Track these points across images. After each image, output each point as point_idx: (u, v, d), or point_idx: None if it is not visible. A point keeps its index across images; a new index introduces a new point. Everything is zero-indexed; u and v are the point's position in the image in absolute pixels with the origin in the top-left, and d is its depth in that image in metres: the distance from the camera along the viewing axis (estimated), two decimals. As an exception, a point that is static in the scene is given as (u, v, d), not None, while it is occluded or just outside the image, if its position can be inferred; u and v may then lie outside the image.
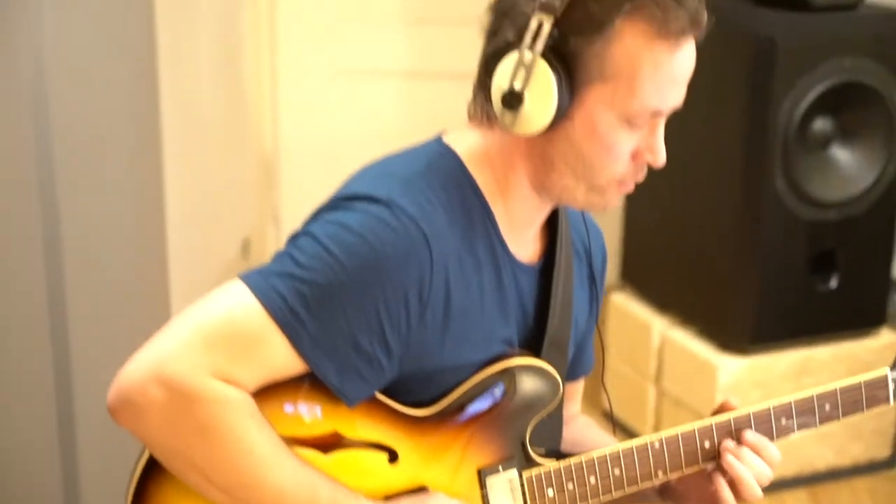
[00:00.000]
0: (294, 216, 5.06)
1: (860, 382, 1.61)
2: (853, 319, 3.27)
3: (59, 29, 2.40)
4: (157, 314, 3.00)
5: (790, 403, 1.57)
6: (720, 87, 2.99)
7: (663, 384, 3.37)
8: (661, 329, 3.37)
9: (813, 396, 1.58)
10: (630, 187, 1.47)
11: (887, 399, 1.64)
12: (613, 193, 1.46)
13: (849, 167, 3.11)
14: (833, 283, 3.18)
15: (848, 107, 3.04)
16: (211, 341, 1.33)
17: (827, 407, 1.59)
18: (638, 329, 3.43)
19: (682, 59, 1.39)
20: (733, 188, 3.10)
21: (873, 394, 1.62)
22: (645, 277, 3.52)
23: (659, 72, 1.38)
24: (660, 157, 1.44)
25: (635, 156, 1.43)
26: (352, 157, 4.90)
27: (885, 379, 1.63)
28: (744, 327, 3.17)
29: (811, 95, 2.97)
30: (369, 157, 4.79)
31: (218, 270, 4.06)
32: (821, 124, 3.05)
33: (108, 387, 1.37)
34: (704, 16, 1.38)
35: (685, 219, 3.28)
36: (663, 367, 3.37)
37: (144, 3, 2.84)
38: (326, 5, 4.42)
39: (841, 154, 3.11)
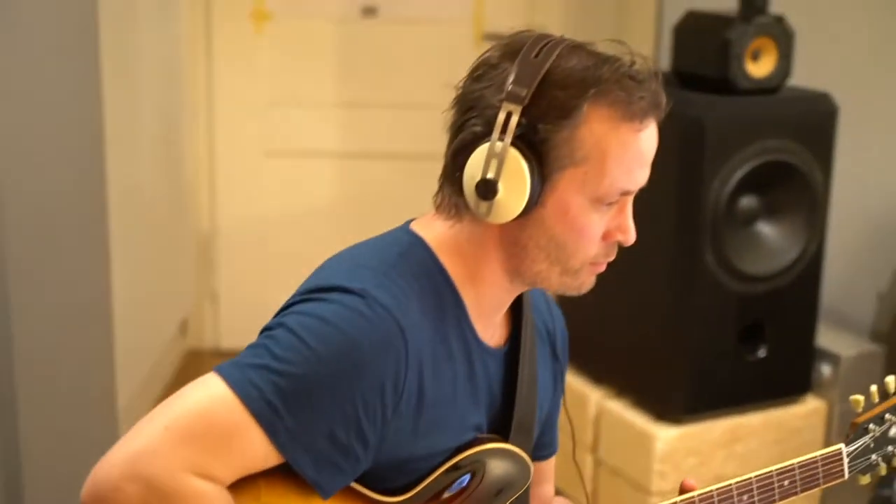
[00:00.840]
0: (231, 295, 5.10)
1: (817, 458, 1.66)
2: (781, 387, 3.33)
3: (3, 121, 2.41)
4: (103, 396, 3.01)
5: (751, 481, 1.61)
6: (652, 166, 3.06)
7: (600, 454, 3.41)
8: (598, 400, 3.42)
9: (773, 473, 1.62)
10: (602, 268, 1.49)
11: (842, 474, 1.69)
12: (587, 275, 1.48)
13: (774, 242, 3.17)
14: (761, 352, 3.24)
15: (772, 185, 3.11)
16: (186, 436, 1.31)
17: (786, 483, 1.63)
18: (574, 400, 3.47)
19: (647, 140, 1.43)
20: (665, 263, 3.16)
21: (829, 469, 1.67)
22: (580, 350, 3.54)
23: (626, 153, 1.41)
24: (630, 236, 1.47)
25: (606, 236, 1.46)
26: (287, 236, 4.98)
27: (839, 454, 1.69)
28: (678, 397, 3.21)
29: (738, 174, 3.03)
30: (304, 235, 4.90)
31: (158, 351, 4.07)
32: (747, 202, 3.11)
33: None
34: (664, 98, 1.43)
35: (619, 293, 3.33)
36: (600, 437, 3.41)
37: (93, 91, 2.89)
38: (261, 89, 4.49)
39: (767, 230, 3.17)
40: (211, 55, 4.45)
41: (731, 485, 1.59)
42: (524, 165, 1.38)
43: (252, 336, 1.44)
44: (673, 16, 3.37)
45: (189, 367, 4.38)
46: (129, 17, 3.64)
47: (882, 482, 2.20)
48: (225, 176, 4.55)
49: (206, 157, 4.53)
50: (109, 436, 2.95)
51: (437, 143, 1.50)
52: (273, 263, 4.48)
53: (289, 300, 1.45)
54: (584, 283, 1.49)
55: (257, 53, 4.46)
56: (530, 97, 1.37)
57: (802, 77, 3.23)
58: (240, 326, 4.41)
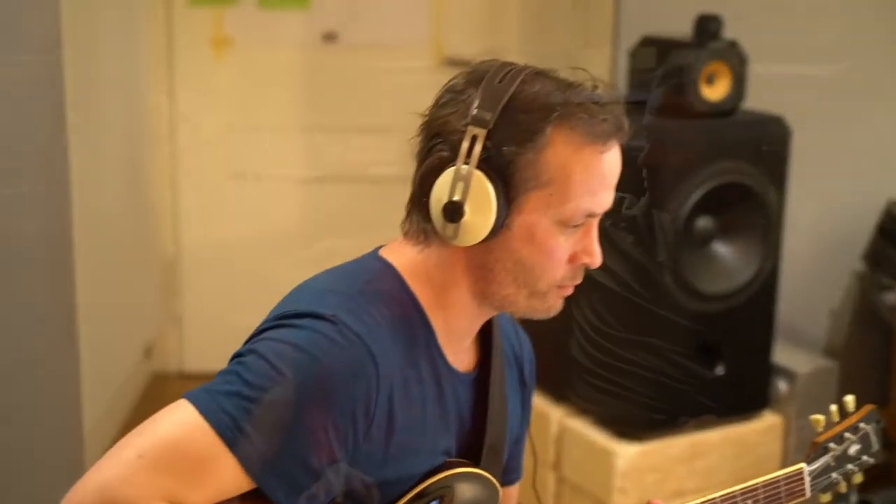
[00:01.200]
0: (196, 319, 5.10)
1: (780, 478, 1.67)
2: (739, 404, 3.36)
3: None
4: (69, 420, 3.01)
5: (715, 501, 1.62)
6: (611, 188, 3.09)
7: (562, 471, 3.45)
8: (559, 418, 3.45)
9: (737, 493, 1.63)
10: (570, 291, 1.50)
11: (803, 492, 1.71)
12: (554, 298, 1.49)
13: (730, 262, 3.21)
14: (719, 370, 3.26)
15: (728, 206, 3.14)
16: (159, 464, 1.31)
17: (749, 502, 1.64)
18: (536, 419, 3.47)
19: (611, 162, 1.43)
20: (623, 284, 3.15)
21: (791, 487, 1.69)
22: (541, 369, 3.55)
23: (591, 175, 1.41)
24: (596, 259, 1.48)
25: (572, 259, 1.47)
26: (250, 259, 5.00)
27: (801, 473, 1.71)
28: (638, 414, 3.23)
29: (694, 196, 3.06)
30: (267, 259, 4.92)
31: (123, 374, 4.07)
32: (703, 223, 3.14)
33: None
34: (626, 121, 1.44)
35: (578, 314, 3.37)
36: (562, 455, 3.44)
37: (57, 117, 2.90)
38: (223, 113, 4.51)
39: (723, 250, 3.20)
40: (173, 81, 4.47)
41: None
42: (490, 187, 1.39)
43: (216, 359, 1.45)
44: (629, 40, 3.42)
45: (154, 391, 4.38)
46: (91, 45, 3.66)
47: (838, 497, 2.23)
48: (189, 200, 4.56)
49: (169, 182, 4.54)
50: (75, 460, 2.96)
51: (400, 166, 1.52)
52: (237, 287, 4.50)
53: (260, 326, 1.45)
54: (552, 306, 1.50)
55: (218, 79, 4.48)
56: (495, 121, 1.39)
57: (756, 100, 3.28)
58: (204, 349, 4.43)
